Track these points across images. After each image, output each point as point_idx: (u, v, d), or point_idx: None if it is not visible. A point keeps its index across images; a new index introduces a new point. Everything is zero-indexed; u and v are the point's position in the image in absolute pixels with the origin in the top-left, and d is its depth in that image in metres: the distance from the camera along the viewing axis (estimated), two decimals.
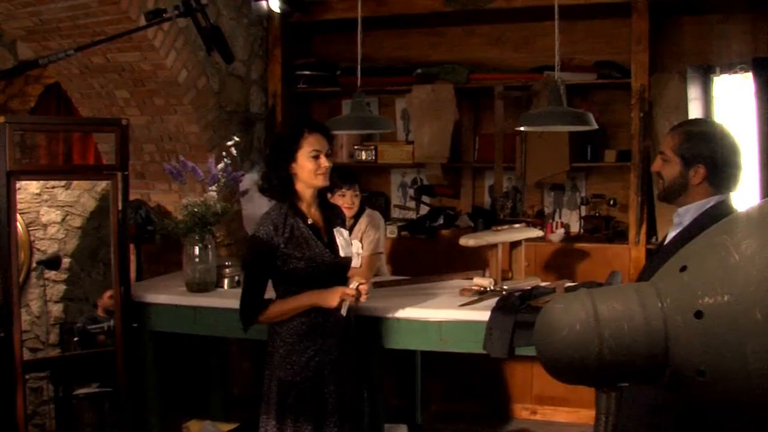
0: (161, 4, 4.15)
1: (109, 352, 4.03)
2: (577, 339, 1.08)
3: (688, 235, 2.32)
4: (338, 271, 3.17)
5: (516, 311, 3.40)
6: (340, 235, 3.19)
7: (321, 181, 3.13)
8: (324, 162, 3.11)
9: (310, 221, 3.15)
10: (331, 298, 3.03)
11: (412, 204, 5.87)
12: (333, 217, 3.26)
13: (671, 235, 2.48)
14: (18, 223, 3.91)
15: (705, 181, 2.40)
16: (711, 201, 2.41)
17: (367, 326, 3.50)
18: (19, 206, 3.83)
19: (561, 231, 5.26)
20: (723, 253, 1.14)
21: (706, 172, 2.39)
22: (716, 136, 2.41)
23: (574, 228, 5.45)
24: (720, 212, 2.33)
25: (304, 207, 3.17)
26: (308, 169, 3.09)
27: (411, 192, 5.91)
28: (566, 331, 1.09)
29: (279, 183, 3.12)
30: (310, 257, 3.06)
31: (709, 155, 2.38)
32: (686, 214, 2.43)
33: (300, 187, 3.14)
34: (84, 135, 6.41)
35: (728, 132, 2.44)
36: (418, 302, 3.63)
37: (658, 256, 2.50)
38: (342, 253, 3.16)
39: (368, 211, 4.34)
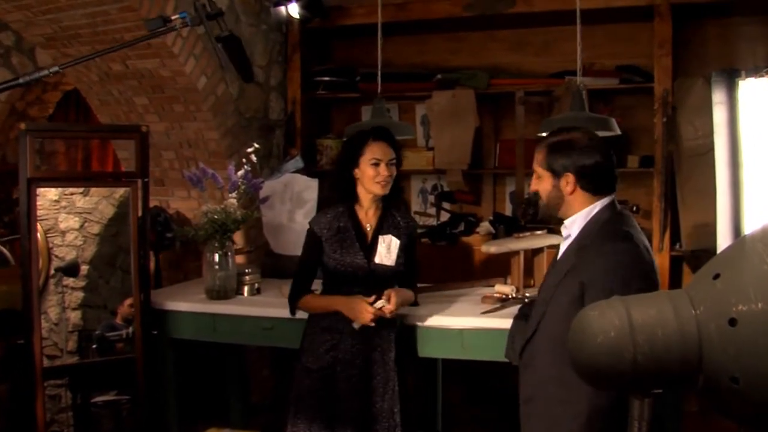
0: (181, 9, 4.19)
1: (128, 359, 4.06)
2: (611, 345, 1.09)
3: (577, 245, 2.38)
4: (368, 276, 3.26)
5: None
6: (383, 242, 3.25)
7: (379, 189, 3.26)
8: (383, 171, 3.23)
9: (367, 226, 3.31)
10: (354, 313, 3.17)
11: (432, 211, 5.86)
12: (391, 225, 3.32)
13: (563, 248, 2.51)
14: (37, 230, 3.95)
15: (578, 189, 2.42)
16: (595, 207, 2.42)
17: (407, 333, 3.51)
18: (37, 213, 3.87)
19: None
20: (756, 261, 1.15)
21: (576, 180, 2.41)
22: (577, 142, 2.43)
23: None
24: (607, 216, 2.40)
25: (361, 211, 3.32)
26: (368, 176, 3.23)
27: (431, 198, 5.91)
28: (601, 338, 1.10)
29: (341, 184, 3.31)
30: (342, 258, 3.23)
31: (573, 162, 2.40)
32: (573, 224, 2.46)
33: (361, 191, 3.30)
34: (103, 141, 6.47)
35: (591, 135, 2.47)
36: (440, 310, 3.64)
37: (553, 270, 2.51)
38: (377, 260, 3.26)
39: None
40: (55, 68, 2.01)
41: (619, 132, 3.68)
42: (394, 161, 3.27)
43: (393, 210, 3.37)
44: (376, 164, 3.22)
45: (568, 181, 2.41)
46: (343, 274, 3.25)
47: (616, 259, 2.26)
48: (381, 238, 3.28)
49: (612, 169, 2.50)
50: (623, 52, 5.27)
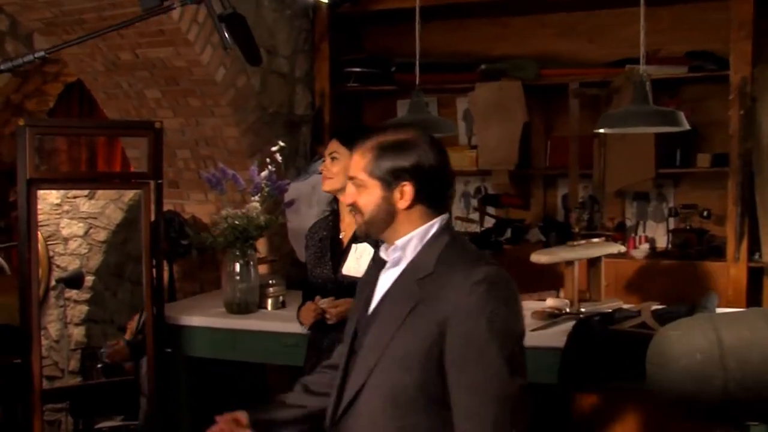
0: None
1: (137, 380, 4.07)
2: (697, 370, 1.07)
3: (418, 274, 2.07)
4: (336, 288, 3.28)
5: (596, 337, 3.37)
6: (355, 252, 3.24)
7: (325, 186, 3.30)
8: (327, 164, 3.26)
9: (341, 235, 3.32)
10: (300, 314, 3.35)
11: (475, 216, 5.85)
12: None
13: (388, 277, 2.17)
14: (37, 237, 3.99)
15: (417, 202, 2.09)
16: (434, 225, 2.12)
17: None
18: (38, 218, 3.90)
19: (645, 246, 5.21)
20: None
21: (415, 189, 2.08)
22: (415, 142, 2.10)
23: (661, 243, 5.39)
24: (448, 238, 2.11)
25: (342, 220, 3.33)
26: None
27: (474, 202, 5.89)
28: (684, 361, 1.07)
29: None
30: (312, 269, 3.35)
31: (413, 168, 2.08)
32: (407, 246, 2.12)
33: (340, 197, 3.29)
34: (110, 139, 6.51)
35: (428, 134, 2.17)
36: None
37: (383, 308, 2.14)
38: (344, 271, 3.27)
39: None
40: (41, 53, 1.96)
41: (688, 127, 3.63)
42: (335, 155, 3.25)
43: None
44: (325, 160, 3.30)
45: (404, 192, 2.08)
46: (313, 286, 3.35)
47: (490, 282, 1.97)
48: (354, 247, 3.27)
49: (451, 184, 2.26)
50: (694, 36, 5.20)
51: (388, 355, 2.04)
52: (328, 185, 3.27)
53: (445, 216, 2.15)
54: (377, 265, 2.24)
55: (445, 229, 2.13)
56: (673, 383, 1.12)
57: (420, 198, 2.09)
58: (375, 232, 2.16)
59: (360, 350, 2.15)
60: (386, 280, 2.17)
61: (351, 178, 2.16)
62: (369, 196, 2.12)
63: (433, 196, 2.11)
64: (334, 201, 3.38)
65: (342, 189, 3.17)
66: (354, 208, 2.16)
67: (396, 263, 2.15)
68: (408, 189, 2.07)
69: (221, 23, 2.35)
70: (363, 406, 2.09)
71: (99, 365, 4.72)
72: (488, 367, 1.93)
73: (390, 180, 2.09)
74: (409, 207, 2.09)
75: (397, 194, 2.09)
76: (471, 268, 2.00)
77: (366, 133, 3.23)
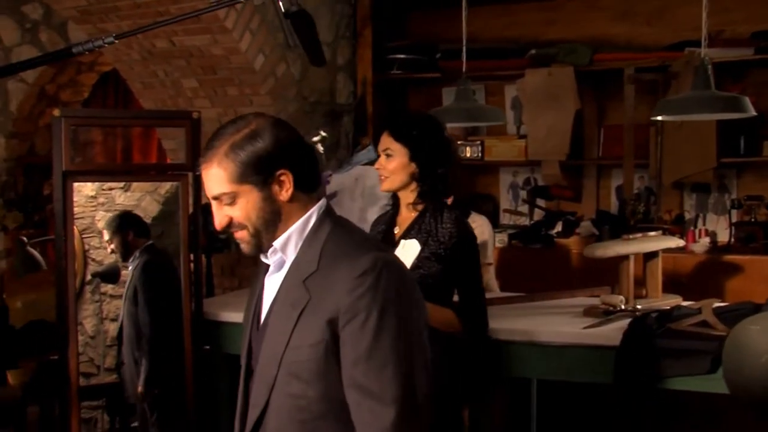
0: None
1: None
2: None
3: (302, 274, 1.90)
4: None
5: (653, 335, 3.35)
6: (402, 248, 3.19)
7: (383, 186, 3.22)
8: (382, 162, 3.17)
9: (395, 229, 3.24)
10: None
11: (524, 208, 5.84)
12: (422, 230, 3.19)
13: (275, 281, 1.99)
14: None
15: (296, 191, 1.92)
16: (312, 214, 1.95)
17: (483, 351, 3.49)
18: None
19: (706, 240, 5.16)
20: None
21: (293, 174, 1.91)
22: (263, 124, 1.92)
23: (723, 237, 5.34)
24: (330, 225, 1.95)
25: (399, 214, 3.26)
26: None
27: (523, 194, 5.89)
28: (766, 358, 1.07)
29: None
30: None
31: (282, 153, 1.90)
32: (287, 245, 1.94)
33: None
34: (145, 130, 6.59)
35: (263, 114, 1.98)
36: (535, 323, 3.61)
37: (274, 311, 1.96)
38: None
39: (474, 215, 4.35)
40: (110, 39, 2.03)
41: (753, 113, 3.60)
42: (389, 152, 3.15)
43: (437, 213, 3.20)
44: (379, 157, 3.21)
45: (283, 182, 1.90)
46: None
47: (377, 272, 1.82)
48: (402, 243, 3.18)
49: (315, 154, 2.08)
50: (761, 15, 5.15)
51: (284, 368, 1.88)
52: (387, 185, 3.19)
53: (322, 202, 1.98)
54: (262, 270, 2.05)
55: (325, 216, 1.96)
56: (753, 381, 1.12)
57: (299, 183, 1.91)
58: (267, 240, 1.93)
59: (256, 367, 1.98)
60: (272, 286, 1.99)
61: (216, 199, 1.92)
62: (246, 205, 1.90)
63: (307, 178, 1.94)
64: (395, 195, 3.31)
65: (401, 186, 3.17)
66: (233, 228, 1.93)
67: (280, 266, 1.97)
68: (286, 176, 1.90)
69: (287, 20, 2.35)
70: (269, 429, 1.93)
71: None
72: (382, 367, 1.79)
73: (263, 174, 1.88)
74: (291, 199, 1.91)
75: (275, 187, 1.90)
76: (355, 259, 1.84)
77: (420, 123, 3.24)
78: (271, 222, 1.92)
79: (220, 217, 1.93)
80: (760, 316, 1.15)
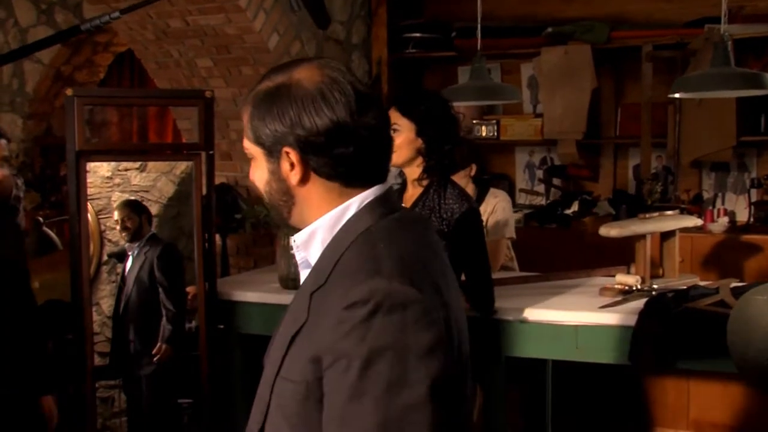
0: None
1: (191, 357, 4.13)
2: None
3: (313, 276, 1.51)
4: None
5: (670, 315, 3.32)
6: None
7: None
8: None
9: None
10: None
11: (541, 188, 5.85)
12: (425, 207, 3.18)
13: (303, 278, 1.59)
14: (87, 211, 4.07)
15: (313, 175, 1.50)
16: (349, 208, 1.52)
17: (488, 330, 3.48)
18: (88, 191, 3.98)
19: (724, 220, 5.14)
20: None
21: (301, 157, 1.49)
22: (301, 84, 1.49)
23: (742, 216, 5.32)
24: (365, 225, 1.50)
25: (407, 191, 3.28)
26: None
27: (540, 174, 5.89)
28: None
29: None
30: None
31: (293, 124, 1.48)
32: (310, 242, 1.55)
33: None
34: (160, 111, 6.61)
35: (334, 67, 1.53)
36: (550, 303, 3.59)
37: (283, 322, 1.54)
38: None
39: (493, 190, 4.35)
40: (116, 13, 1.95)
41: None
42: (395, 127, 3.09)
43: (440, 189, 3.19)
44: None
45: (291, 162, 1.49)
46: None
47: (374, 306, 1.35)
48: None
49: (384, 134, 1.60)
50: None
51: (274, 397, 1.49)
52: (392, 159, 3.21)
53: (367, 193, 1.52)
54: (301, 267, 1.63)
55: (368, 213, 1.51)
56: (759, 354, 1.09)
57: (315, 169, 1.49)
58: (284, 220, 1.58)
59: (261, 384, 1.56)
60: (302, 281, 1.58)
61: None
62: (259, 171, 1.56)
63: (336, 164, 1.48)
64: (402, 173, 3.32)
65: (407, 161, 3.16)
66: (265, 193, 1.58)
67: (304, 263, 1.58)
68: (293, 156, 1.48)
69: None
70: None
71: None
72: None
73: (270, 146, 1.51)
74: (304, 182, 1.50)
75: (285, 165, 1.50)
76: (352, 283, 1.38)
77: (427, 100, 3.21)
78: (281, 203, 1.54)
79: (251, 169, 1.59)
80: (766, 286, 1.12)
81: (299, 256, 1.58)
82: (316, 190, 1.50)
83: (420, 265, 1.46)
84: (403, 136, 3.11)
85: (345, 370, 1.34)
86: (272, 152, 1.50)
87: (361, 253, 1.44)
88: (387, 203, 1.54)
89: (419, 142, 3.11)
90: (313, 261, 1.54)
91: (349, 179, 1.50)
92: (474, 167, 4.18)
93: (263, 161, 1.53)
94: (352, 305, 1.35)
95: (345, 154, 1.48)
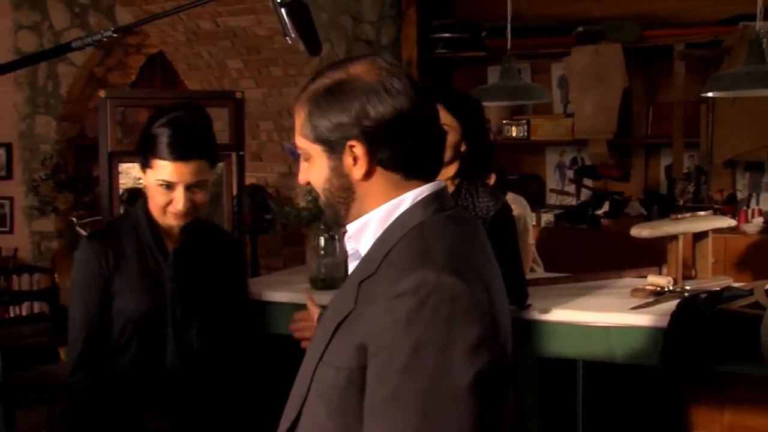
0: None
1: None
2: None
3: (362, 266, 1.53)
4: None
5: (703, 317, 3.28)
6: None
7: None
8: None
9: None
10: None
11: (571, 188, 5.84)
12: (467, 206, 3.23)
13: (351, 270, 1.62)
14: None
15: (378, 168, 1.51)
16: (404, 200, 1.53)
17: (517, 330, 3.46)
18: (120, 191, 4.01)
19: (759, 220, 5.11)
20: None
21: (367, 149, 1.49)
22: (364, 77, 1.50)
23: None
24: (419, 218, 1.51)
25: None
26: None
27: (570, 174, 5.87)
28: None
29: None
30: None
31: (359, 117, 1.48)
32: (362, 233, 1.56)
33: None
34: None
35: (393, 64, 1.55)
36: (581, 303, 3.56)
37: (327, 311, 1.61)
38: None
39: (511, 195, 4.31)
40: (109, 31, 1.87)
41: None
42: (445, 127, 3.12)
43: (472, 188, 3.16)
44: None
45: (356, 156, 1.49)
46: None
47: (422, 296, 1.36)
48: None
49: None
50: None
51: (314, 384, 1.50)
52: None
53: (423, 189, 1.54)
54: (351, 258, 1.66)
55: (423, 207, 1.52)
56: None
57: (381, 160, 1.50)
58: (339, 219, 1.58)
59: (301, 369, 1.59)
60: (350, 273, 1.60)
61: (300, 151, 1.60)
62: (317, 169, 1.55)
63: (400, 155, 1.50)
64: None
65: (447, 162, 3.07)
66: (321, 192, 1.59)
67: (355, 257, 1.61)
68: (359, 150, 1.48)
69: (281, 8, 2.30)
70: None
71: None
72: (399, 424, 1.34)
73: (333, 141, 1.50)
74: (368, 176, 1.51)
75: (348, 160, 1.50)
76: (403, 273, 1.40)
77: (470, 101, 3.20)
78: (341, 201, 1.55)
79: (302, 171, 1.60)
80: None
81: (350, 247, 1.60)
82: (376, 183, 1.52)
83: (469, 261, 1.48)
84: (451, 137, 2.99)
85: (390, 358, 1.35)
86: (335, 148, 1.51)
87: (412, 246, 1.46)
88: (441, 200, 1.56)
89: (463, 144, 3.05)
90: (363, 252, 1.55)
91: (409, 171, 1.52)
92: (494, 176, 4.14)
93: (323, 159, 1.53)
94: (401, 295, 1.36)
95: (408, 144, 1.50)
